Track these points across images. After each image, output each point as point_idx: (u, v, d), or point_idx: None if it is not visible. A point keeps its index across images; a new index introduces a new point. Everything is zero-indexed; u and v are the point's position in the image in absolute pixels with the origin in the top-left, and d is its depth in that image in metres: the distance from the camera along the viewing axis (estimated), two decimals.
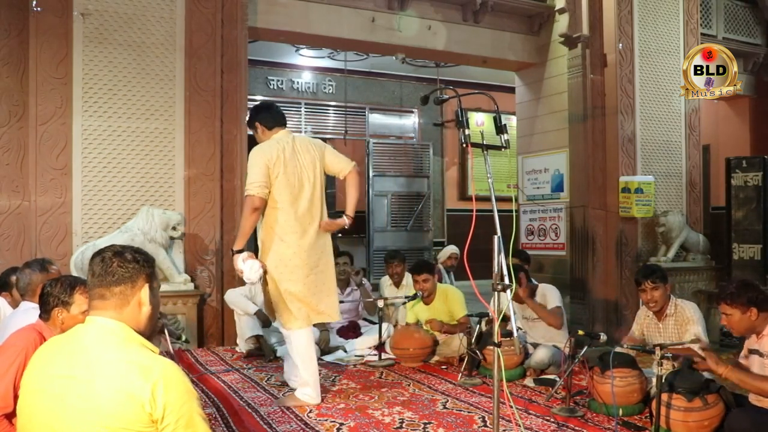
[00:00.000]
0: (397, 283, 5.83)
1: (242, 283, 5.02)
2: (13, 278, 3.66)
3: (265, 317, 5.15)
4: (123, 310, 1.69)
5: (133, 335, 1.67)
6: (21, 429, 1.68)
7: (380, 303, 5.18)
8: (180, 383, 1.60)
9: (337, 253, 5.80)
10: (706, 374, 3.44)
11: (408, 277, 5.70)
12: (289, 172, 3.76)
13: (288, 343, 3.90)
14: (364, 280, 5.76)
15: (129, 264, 1.71)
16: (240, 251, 3.69)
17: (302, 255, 3.77)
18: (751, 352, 3.08)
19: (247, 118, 4.14)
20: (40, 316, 2.51)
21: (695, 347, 3.28)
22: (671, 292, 3.98)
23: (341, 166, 4.03)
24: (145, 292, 1.73)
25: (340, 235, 11.35)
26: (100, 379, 1.55)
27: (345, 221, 3.92)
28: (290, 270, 3.75)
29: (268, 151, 3.76)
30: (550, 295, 4.71)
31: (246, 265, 3.67)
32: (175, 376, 1.59)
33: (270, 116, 3.93)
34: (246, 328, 5.12)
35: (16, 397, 2.20)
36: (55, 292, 2.47)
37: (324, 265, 3.89)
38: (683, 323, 3.82)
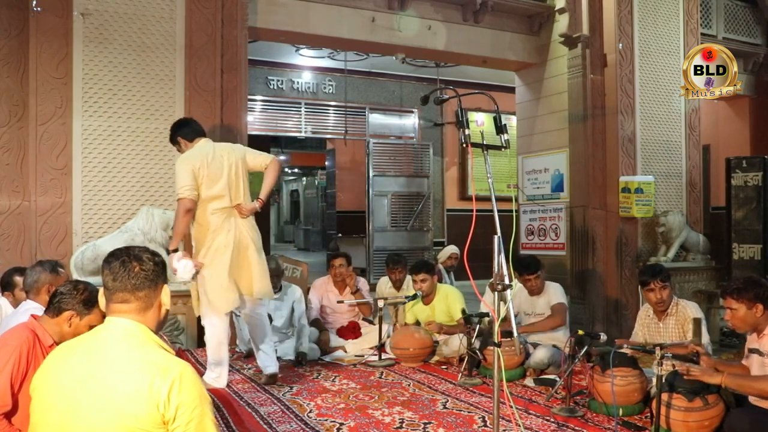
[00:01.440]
0: (398, 287, 5.81)
1: None
2: (17, 278, 3.66)
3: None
4: (146, 313, 1.72)
5: (152, 336, 1.70)
6: (33, 427, 1.69)
7: (380, 303, 5.18)
8: (195, 386, 1.62)
9: (336, 255, 5.82)
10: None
11: (409, 281, 5.69)
12: (214, 173, 4.13)
13: (210, 327, 4.18)
14: (360, 282, 5.74)
15: (150, 267, 1.74)
16: (175, 251, 4.03)
17: (233, 244, 4.12)
18: (751, 351, 3.07)
19: (169, 137, 4.42)
20: (46, 312, 2.51)
21: (693, 367, 3.24)
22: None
23: (261, 159, 4.37)
24: (165, 294, 1.78)
25: (339, 234, 11.37)
26: (119, 378, 1.57)
27: (256, 205, 4.24)
28: (223, 259, 4.08)
29: (192, 158, 4.14)
30: (553, 292, 4.72)
31: (180, 264, 3.97)
32: (190, 379, 1.61)
33: (189, 129, 4.32)
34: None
35: (13, 395, 2.21)
36: (78, 298, 2.47)
37: (254, 249, 4.22)
38: (684, 322, 3.82)
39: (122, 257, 1.73)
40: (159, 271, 1.77)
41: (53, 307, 2.48)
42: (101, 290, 1.76)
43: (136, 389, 1.55)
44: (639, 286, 4.10)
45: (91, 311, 2.48)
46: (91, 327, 2.46)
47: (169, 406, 1.55)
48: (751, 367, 3.07)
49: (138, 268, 1.72)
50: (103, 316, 2.47)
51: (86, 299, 2.48)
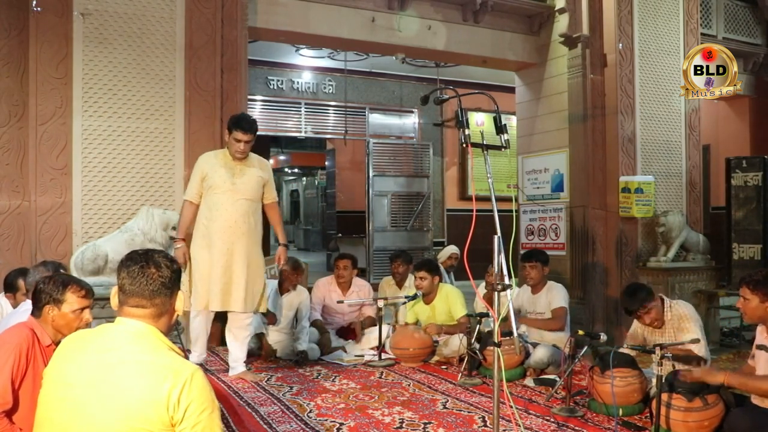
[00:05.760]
0: (400, 283, 5.83)
1: None
2: (20, 282, 3.66)
3: (270, 316, 5.15)
4: (159, 320, 1.73)
5: (162, 338, 1.71)
6: (38, 424, 1.69)
7: (380, 303, 5.18)
8: (205, 389, 1.62)
9: (341, 256, 5.82)
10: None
11: (411, 279, 5.70)
12: None
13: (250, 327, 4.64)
14: (359, 284, 5.75)
15: (167, 275, 1.74)
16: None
17: None
18: (759, 348, 3.07)
19: (255, 127, 4.38)
20: (32, 313, 2.50)
21: (695, 369, 3.22)
22: (669, 293, 3.92)
23: None
24: (179, 301, 1.79)
25: (339, 234, 11.37)
26: (129, 379, 1.57)
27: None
28: None
29: None
30: (556, 294, 4.70)
31: None
32: (201, 382, 1.62)
33: None
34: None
35: (13, 393, 2.21)
36: (47, 290, 2.45)
37: None
38: (680, 322, 3.79)
39: (141, 262, 1.73)
40: (175, 279, 1.77)
41: (35, 308, 2.48)
42: (114, 289, 1.76)
43: (147, 391, 1.55)
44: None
45: (64, 296, 2.44)
46: (74, 312, 2.44)
47: (178, 408, 1.56)
48: (758, 364, 3.06)
49: (156, 275, 1.72)
50: (84, 296, 2.45)
51: (53, 286, 2.45)
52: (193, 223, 4.40)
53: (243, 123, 4.25)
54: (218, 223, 4.28)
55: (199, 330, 4.49)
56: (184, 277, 4.34)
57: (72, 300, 2.45)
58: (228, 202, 4.28)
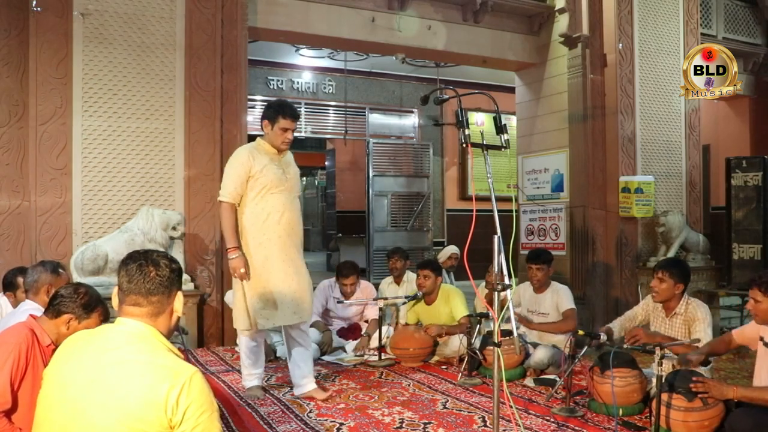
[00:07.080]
0: (398, 279, 5.82)
1: None
2: (20, 279, 3.66)
3: None
4: (158, 319, 1.73)
5: (162, 340, 1.71)
6: (37, 423, 1.69)
7: (380, 303, 5.18)
8: (203, 391, 1.62)
9: (346, 272, 5.77)
10: (703, 370, 3.45)
11: (409, 276, 5.71)
12: None
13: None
14: (363, 285, 5.72)
15: (165, 274, 1.74)
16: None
17: None
18: (767, 344, 3.07)
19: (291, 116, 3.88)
20: (45, 313, 2.50)
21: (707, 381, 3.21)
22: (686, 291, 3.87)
23: None
24: (178, 301, 1.78)
25: (340, 234, 11.37)
26: (128, 380, 1.57)
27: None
28: None
29: None
30: (563, 296, 4.67)
31: None
32: (200, 384, 1.62)
33: None
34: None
35: (13, 393, 2.21)
36: (78, 302, 2.46)
37: None
38: (691, 322, 3.77)
39: (140, 260, 1.73)
40: (174, 278, 1.77)
41: (53, 309, 2.47)
42: (115, 290, 1.77)
43: (145, 392, 1.55)
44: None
45: (90, 315, 2.47)
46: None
47: (177, 410, 1.55)
48: (759, 359, 3.07)
49: (154, 273, 1.72)
50: (101, 321, 2.48)
51: (86, 303, 2.47)
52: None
53: (288, 109, 3.76)
54: (281, 227, 3.75)
55: (259, 351, 4.03)
56: (232, 293, 3.95)
57: (94, 320, 2.48)
58: (287, 201, 3.78)
